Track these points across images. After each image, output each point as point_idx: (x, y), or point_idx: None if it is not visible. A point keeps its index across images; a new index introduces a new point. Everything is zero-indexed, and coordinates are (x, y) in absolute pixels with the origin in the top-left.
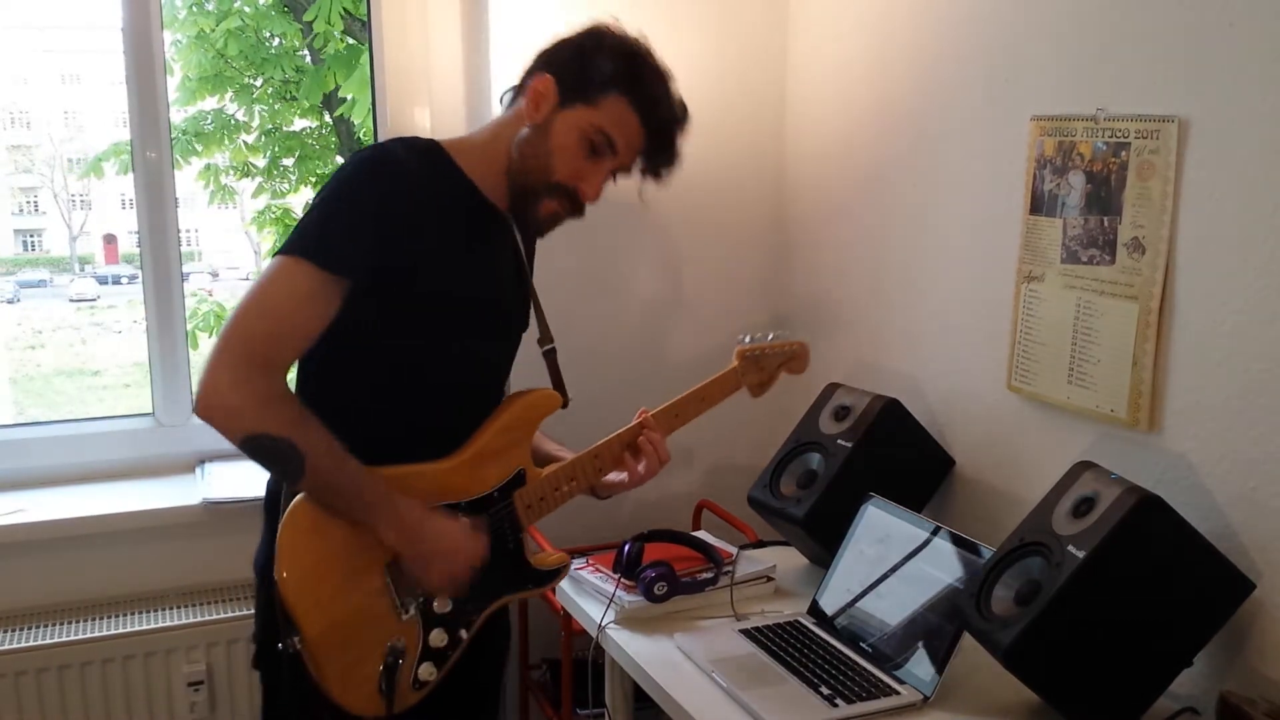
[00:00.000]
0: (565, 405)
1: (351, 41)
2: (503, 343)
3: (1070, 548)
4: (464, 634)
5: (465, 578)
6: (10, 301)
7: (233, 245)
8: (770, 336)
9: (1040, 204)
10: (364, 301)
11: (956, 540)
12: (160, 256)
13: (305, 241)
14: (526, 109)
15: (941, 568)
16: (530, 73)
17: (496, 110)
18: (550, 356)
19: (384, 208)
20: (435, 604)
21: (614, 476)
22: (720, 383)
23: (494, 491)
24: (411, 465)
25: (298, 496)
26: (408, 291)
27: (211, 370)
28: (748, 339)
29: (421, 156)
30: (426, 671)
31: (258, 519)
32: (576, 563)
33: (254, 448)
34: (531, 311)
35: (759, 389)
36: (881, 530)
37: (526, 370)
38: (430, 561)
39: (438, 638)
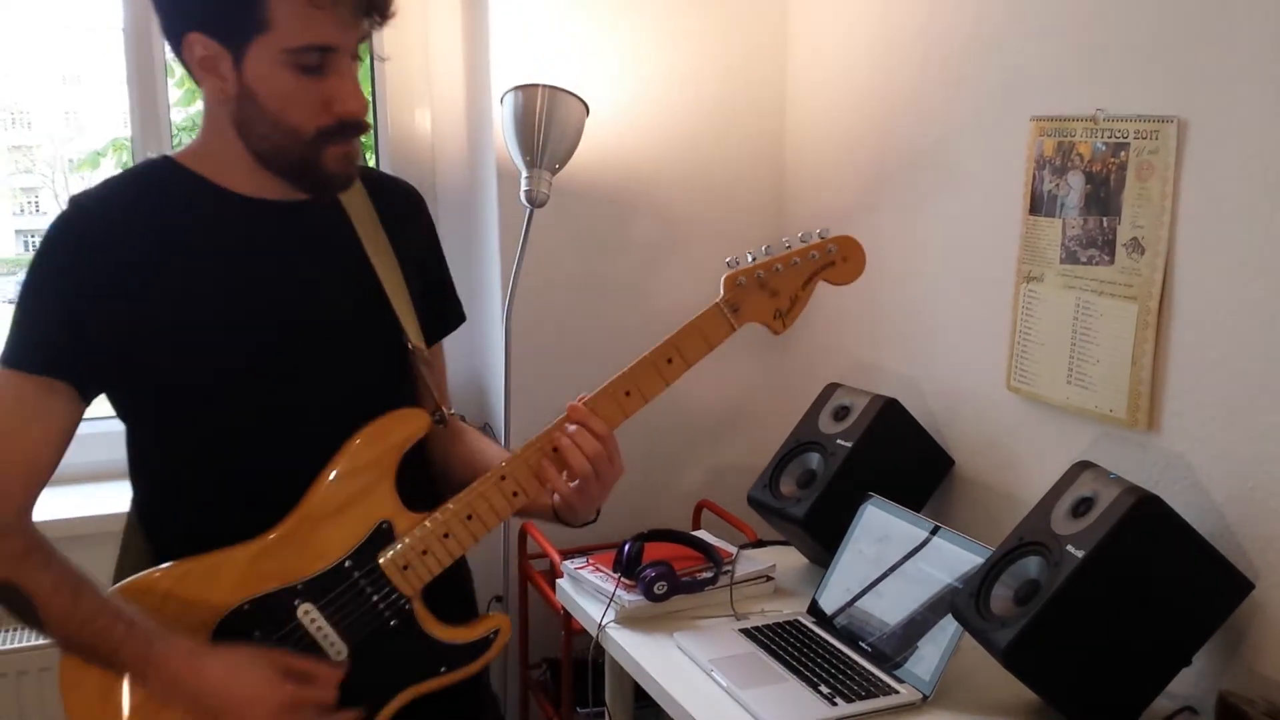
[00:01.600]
0: (440, 423)
1: None
2: (319, 362)
3: (1069, 547)
4: None
5: None
6: (11, 302)
7: None
8: (785, 244)
9: (1039, 204)
10: (113, 382)
11: (955, 540)
12: None
13: (6, 347)
14: (209, 83)
15: (941, 567)
16: (173, 39)
17: (497, 109)
18: (417, 359)
19: (73, 279)
20: None
21: (558, 496)
22: (694, 331)
23: (345, 560)
24: (209, 555)
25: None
26: (152, 349)
27: None
28: (749, 258)
29: (131, 187)
30: None
31: None
32: (576, 562)
33: None
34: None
35: (779, 320)
36: (881, 530)
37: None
38: (222, 717)
39: None
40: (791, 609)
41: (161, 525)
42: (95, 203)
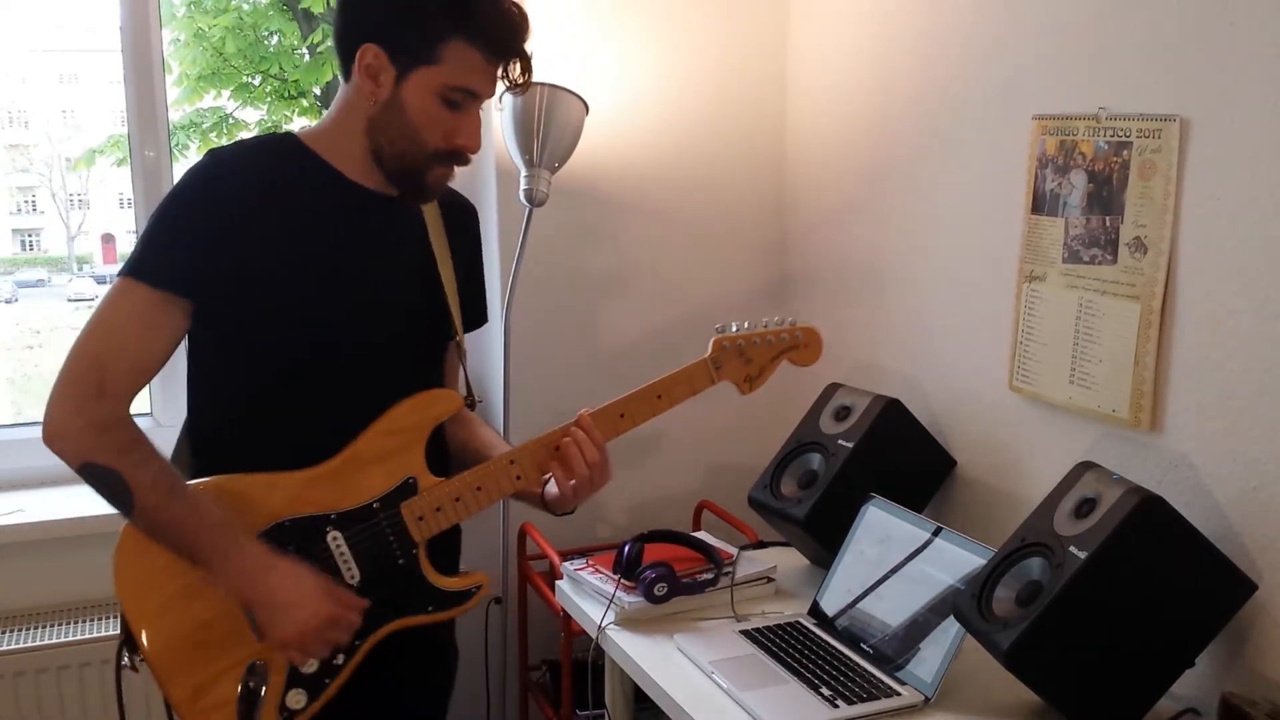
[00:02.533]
0: (471, 405)
1: None
2: (384, 334)
3: (1072, 548)
4: (341, 660)
5: (314, 639)
6: (8, 301)
7: None
8: (765, 322)
9: (1042, 203)
10: (217, 309)
11: (957, 541)
12: None
13: (134, 261)
14: (365, 87)
15: (942, 568)
16: (348, 41)
17: (496, 108)
18: (460, 356)
19: (206, 214)
20: None
21: (553, 488)
22: (686, 378)
23: (374, 502)
24: (264, 474)
25: None
26: (254, 292)
27: (52, 399)
28: (734, 327)
29: (266, 154)
30: (295, 699)
31: None
32: (576, 563)
33: (88, 477)
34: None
35: (748, 384)
36: (882, 531)
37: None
38: (274, 616)
39: (308, 662)
40: (792, 610)
41: (210, 448)
42: (232, 157)
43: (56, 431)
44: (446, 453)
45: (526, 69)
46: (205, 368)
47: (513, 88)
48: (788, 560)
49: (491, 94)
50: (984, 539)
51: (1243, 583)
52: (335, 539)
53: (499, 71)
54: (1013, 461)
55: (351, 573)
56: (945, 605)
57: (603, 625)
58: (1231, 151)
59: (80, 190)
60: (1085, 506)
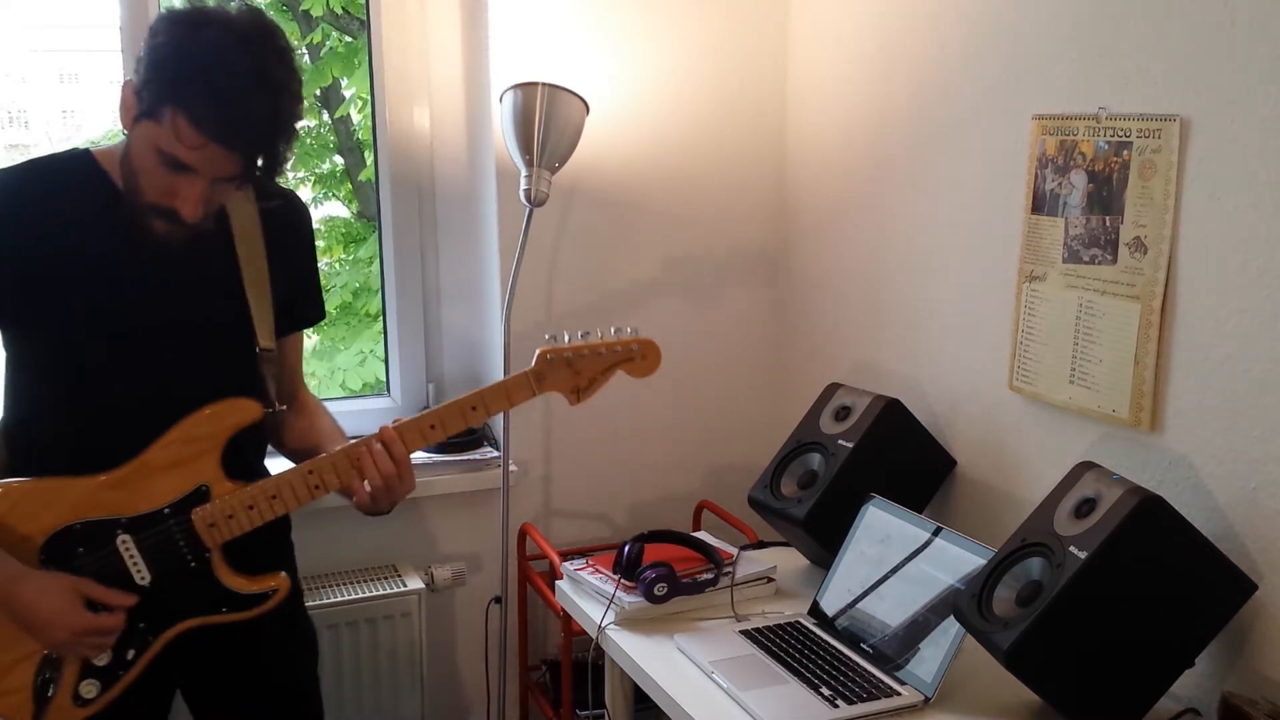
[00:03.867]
0: (272, 410)
1: (350, 40)
2: (179, 349)
3: (1072, 548)
4: (132, 653)
5: (80, 646)
6: None
7: None
8: (600, 334)
9: (1042, 203)
10: (5, 324)
11: (957, 541)
12: None
13: None
14: (120, 117)
15: (942, 568)
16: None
17: (496, 108)
18: (260, 363)
19: None
20: None
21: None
22: (503, 390)
23: (165, 508)
24: (60, 479)
25: None
26: (36, 311)
27: None
28: (565, 338)
29: (48, 174)
30: (88, 689)
31: None
32: (576, 563)
33: None
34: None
35: (576, 395)
36: (882, 531)
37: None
38: (31, 630)
39: (100, 655)
40: (792, 610)
41: (23, 449)
42: (13, 179)
43: None
44: (257, 458)
45: (274, 165)
46: (11, 373)
47: (261, 178)
48: (788, 560)
49: (222, 173)
50: (984, 539)
51: (1242, 583)
52: (125, 542)
53: (235, 156)
54: (1013, 461)
55: (142, 574)
56: (945, 605)
57: (603, 625)
58: (1231, 151)
59: None
60: (1085, 506)
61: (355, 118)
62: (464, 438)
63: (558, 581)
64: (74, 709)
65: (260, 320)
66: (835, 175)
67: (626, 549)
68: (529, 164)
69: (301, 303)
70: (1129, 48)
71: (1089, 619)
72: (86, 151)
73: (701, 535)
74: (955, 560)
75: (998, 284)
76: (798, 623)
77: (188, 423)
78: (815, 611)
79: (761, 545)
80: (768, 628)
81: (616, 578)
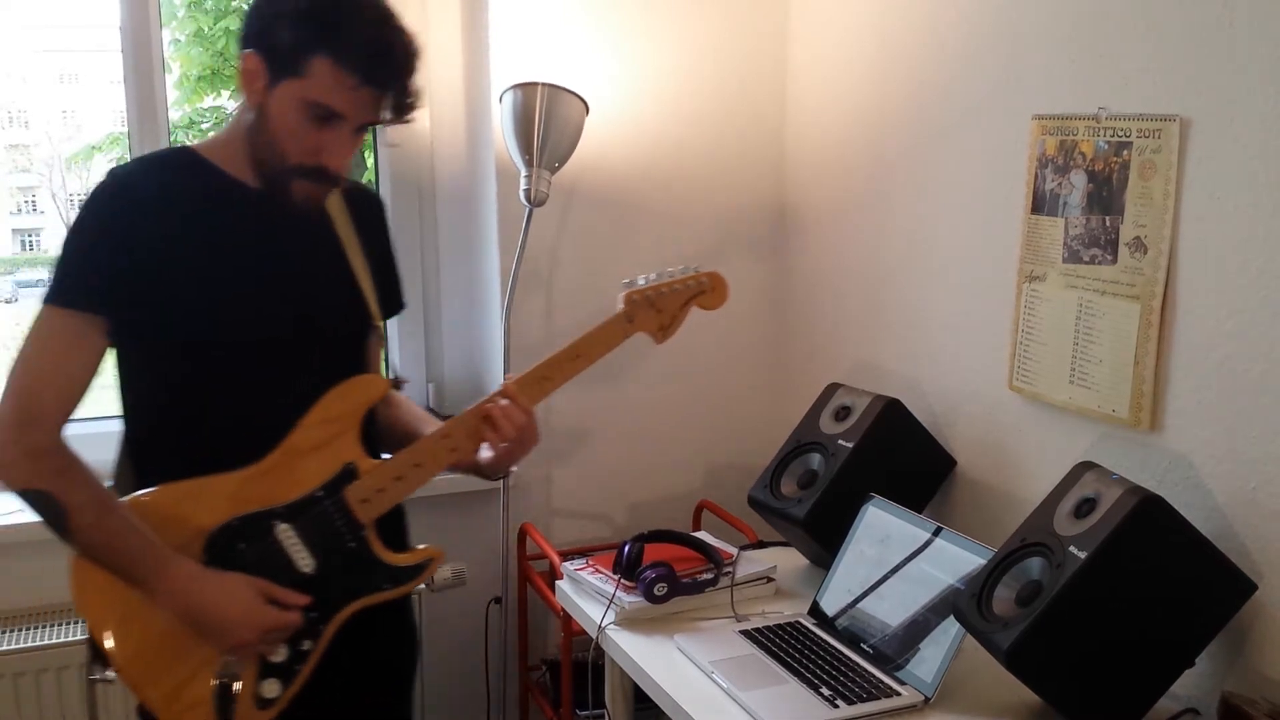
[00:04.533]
0: (398, 387)
1: None
2: (302, 330)
3: (1072, 548)
4: (308, 644)
5: (262, 644)
6: (8, 301)
7: None
8: (669, 272)
9: (1042, 203)
10: (134, 322)
11: (957, 541)
12: None
13: (50, 288)
14: (243, 93)
15: (942, 568)
16: (239, 45)
17: (496, 108)
18: (378, 338)
19: (111, 232)
20: None
21: (485, 453)
22: (600, 334)
23: (318, 490)
24: (206, 478)
25: None
26: (168, 302)
27: None
28: (640, 280)
29: (161, 167)
30: (270, 689)
31: None
32: (576, 563)
33: (27, 503)
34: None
35: (661, 333)
36: (882, 531)
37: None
38: (215, 634)
39: (276, 651)
40: (792, 610)
41: (151, 460)
42: (133, 174)
43: None
44: (376, 434)
45: (406, 104)
46: (133, 379)
47: (392, 120)
48: (788, 560)
49: (366, 119)
50: (984, 539)
51: (1242, 582)
52: (284, 531)
53: (378, 98)
54: (1013, 461)
55: (305, 561)
56: (945, 605)
57: (603, 625)
58: (1231, 151)
59: (80, 190)
60: (1085, 506)
61: None
62: None
63: (558, 581)
64: (257, 713)
65: (370, 300)
66: (835, 175)
67: (626, 549)
68: (529, 164)
69: (388, 291)
70: (1129, 48)
71: (1089, 619)
72: (186, 148)
73: (701, 535)
74: (955, 560)
75: (997, 284)
76: (798, 623)
77: (324, 403)
78: (815, 611)
79: (761, 545)
80: (768, 628)
81: (616, 578)
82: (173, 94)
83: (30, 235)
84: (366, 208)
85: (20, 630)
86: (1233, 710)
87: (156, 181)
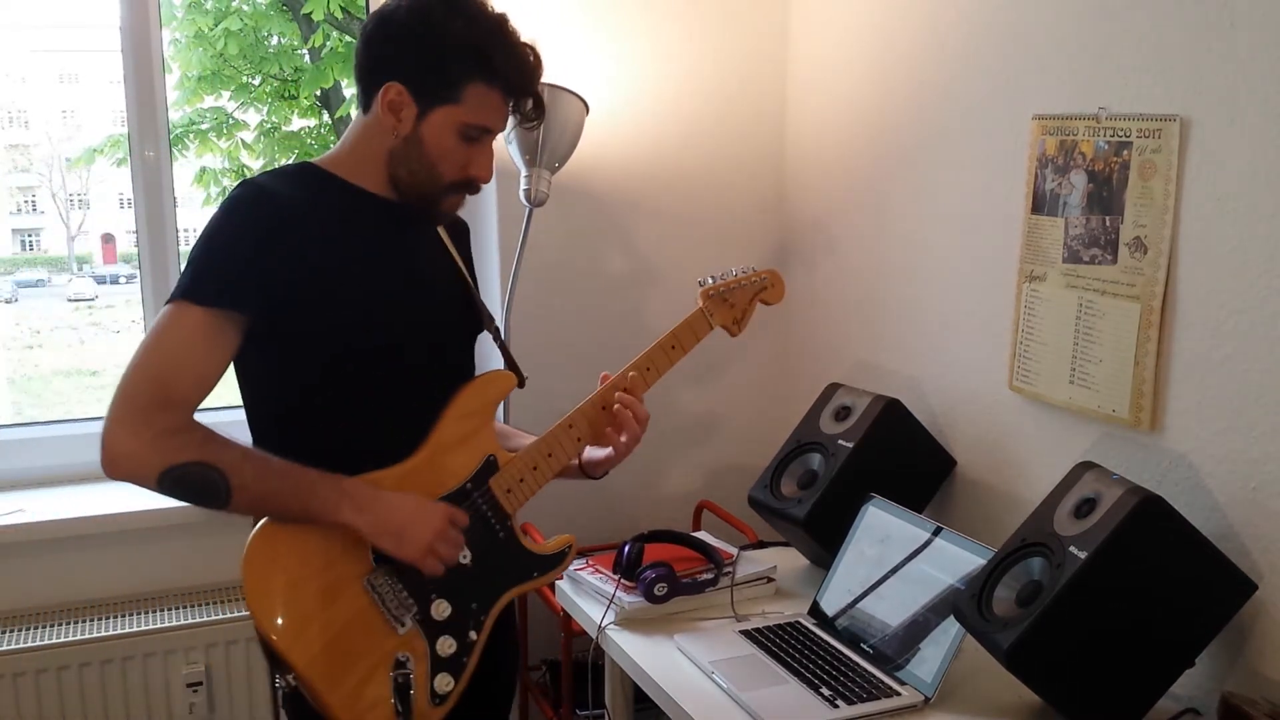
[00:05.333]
0: (521, 384)
1: (350, 40)
2: (437, 335)
3: (1072, 548)
4: (474, 635)
5: (444, 546)
6: (8, 301)
7: None
8: (735, 271)
9: (1042, 203)
10: (273, 324)
11: (957, 541)
12: (159, 256)
13: (185, 287)
14: (386, 121)
15: (942, 568)
16: (372, 76)
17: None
18: (498, 339)
19: (257, 234)
20: (433, 610)
21: (595, 453)
22: (689, 326)
23: (466, 483)
24: (367, 474)
25: (254, 529)
26: (310, 307)
27: (108, 427)
28: (710, 279)
29: (290, 179)
30: (443, 683)
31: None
32: (576, 564)
33: (171, 483)
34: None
35: (735, 326)
36: (882, 531)
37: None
38: (400, 536)
39: (445, 645)
40: (792, 610)
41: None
42: (269, 183)
43: (124, 451)
44: None
45: (539, 106)
46: (258, 381)
47: (525, 123)
48: (788, 560)
49: (504, 128)
50: (984, 539)
51: (1243, 583)
52: None
53: (511, 114)
54: (1013, 461)
55: (464, 554)
56: (945, 605)
57: (603, 625)
58: (1231, 151)
59: (80, 190)
60: (1085, 506)
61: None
62: None
63: (558, 581)
64: (433, 709)
65: (481, 309)
66: (835, 175)
67: (626, 549)
68: (529, 164)
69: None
70: (1129, 48)
71: (1089, 619)
72: (310, 163)
73: (701, 535)
74: (955, 560)
75: (998, 284)
76: (798, 623)
77: (462, 398)
78: (815, 611)
79: (761, 545)
80: (768, 628)
81: (616, 578)
82: (173, 94)
83: (30, 235)
84: (459, 230)
85: (21, 630)
86: (1233, 710)
87: (292, 190)
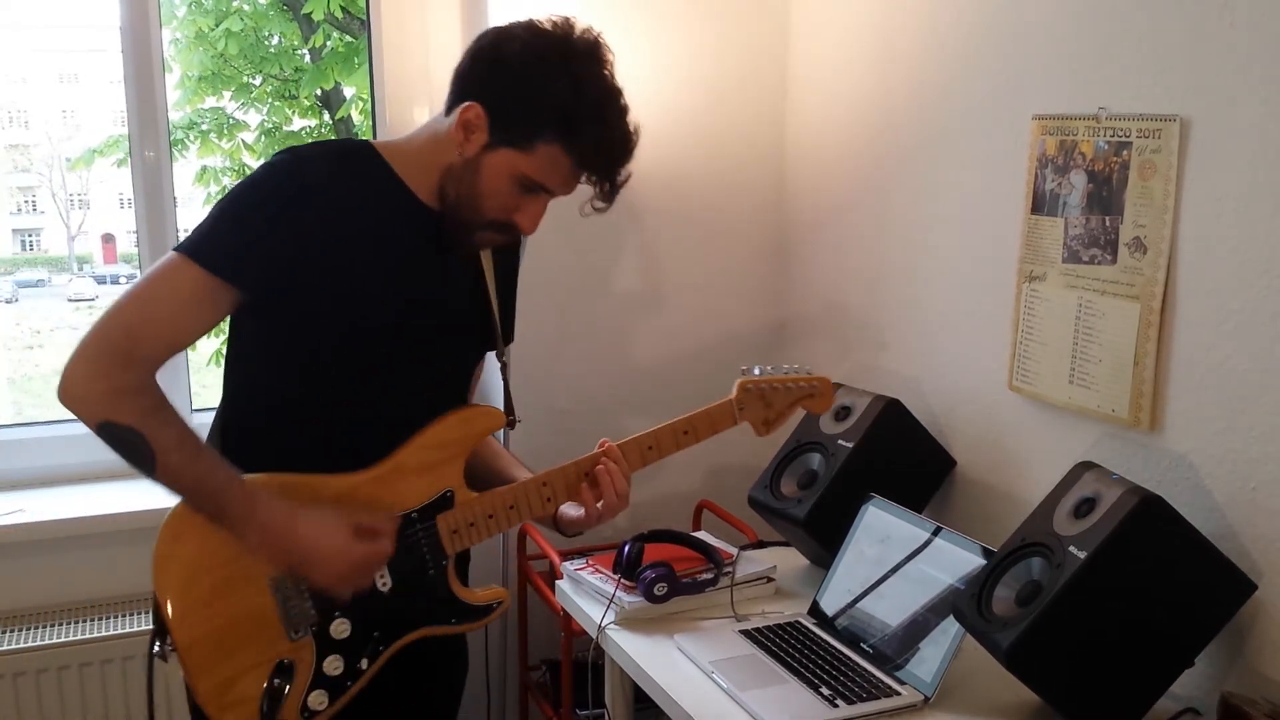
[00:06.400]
0: (511, 425)
1: (350, 40)
2: (440, 350)
3: (1071, 548)
4: (365, 664)
5: (357, 578)
6: (8, 301)
7: None
8: (785, 369)
9: (1041, 203)
10: (268, 304)
11: (957, 541)
12: (159, 256)
13: (194, 242)
14: (455, 137)
15: (942, 568)
16: (463, 86)
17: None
18: (504, 373)
19: (281, 213)
20: (333, 627)
21: (570, 511)
22: (709, 417)
23: (413, 512)
24: (314, 475)
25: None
26: (308, 292)
27: (73, 358)
28: (756, 370)
29: (343, 159)
30: (317, 700)
31: None
32: (576, 563)
33: (105, 436)
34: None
35: (765, 426)
36: (882, 531)
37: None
38: (308, 568)
39: (332, 664)
40: (792, 610)
41: (245, 442)
42: (313, 158)
43: (76, 393)
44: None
45: (613, 191)
46: (247, 361)
47: (597, 200)
48: (788, 560)
49: (568, 193)
50: (984, 539)
51: (1242, 582)
52: None
53: (580, 181)
54: (1013, 461)
55: (384, 579)
56: (945, 605)
57: (603, 625)
58: (1231, 151)
59: (80, 190)
60: (1085, 506)
61: (356, 118)
62: None
63: (558, 581)
64: None
65: (496, 333)
66: (835, 175)
67: (626, 549)
68: None
69: (504, 320)
70: (1129, 48)
71: (1088, 619)
72: (369, 143)
73: (701, 535)
74: (955, 560)
75: (997, 284)
76: (798, 623)
77: (440, 426)
78: (815, 611)
79: (761, 545)
80: (768, 628)
81: (616, 578)
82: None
83: (30, 235)
84: (510, 243)
85: (21, 630)
86: (1233, 710)
87: (333, 170)
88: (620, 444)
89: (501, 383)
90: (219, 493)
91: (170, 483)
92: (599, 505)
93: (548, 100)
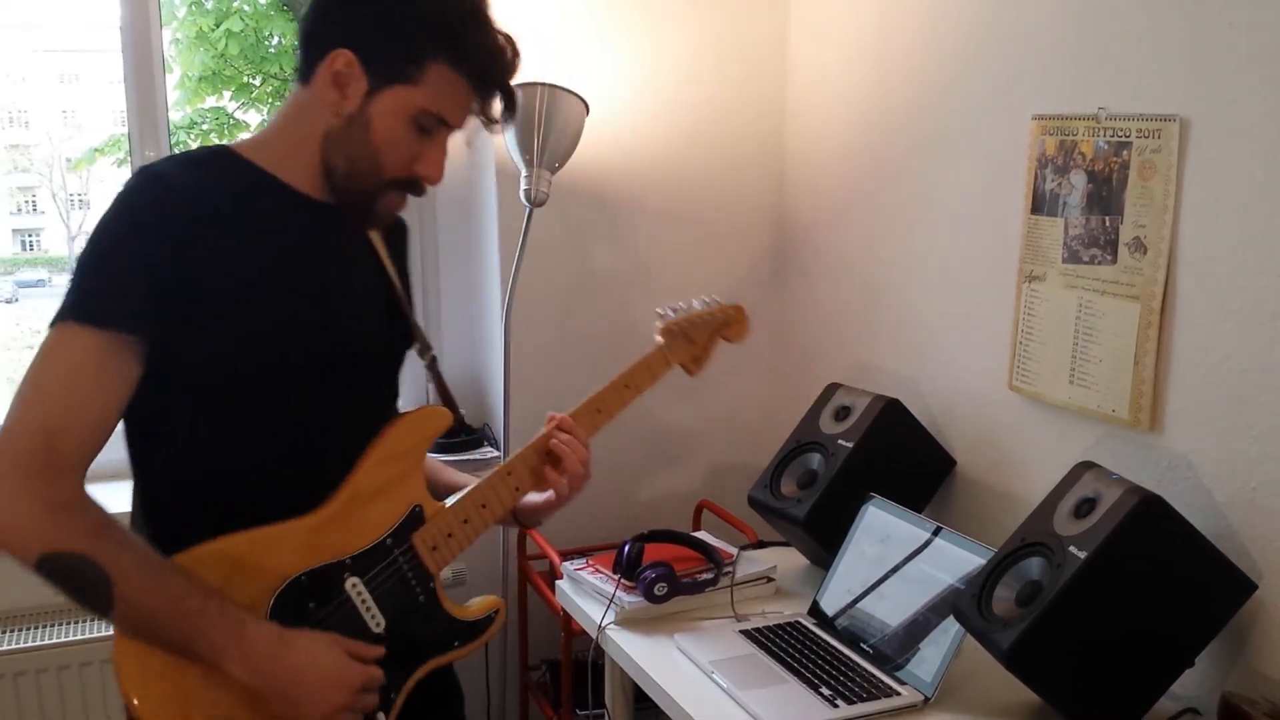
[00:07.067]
0: (460, 422)
1: None
2: (363, 356)
3: (1071, 548)
4: (381, 717)
5: (361, 704)
6: (8, 301)
7: None
8: (696, 304)
9: (1041, 203)
10: (173, 341)
11: (957, 541)
12: None
13: (74, 303)
14: (328, 96)
15: (942, 568)
16: (318, 43)
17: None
18: (432, 367)
19: (149, 237)
20: None
21: (534, 498)
22: (646, 365)
23: (386, 538)
24: (266, 528)
25: None
26: (213, 322)
27: None
28: (670, 312)
29: (198, 167)
30: None
31: None
32: (576, 563)
33: (48, 573)
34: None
35: (694, 364)
36: (882, 530)
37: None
38: (298, 705)
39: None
40: (792, 610)
41: (176, 515)
42: (168, 173)
43: (3, 524)
44: None
45: (511, 103)
46: (154, 418)
47: (490, 124)
48: (788, 560)
49: (462, 126)
50: (984, 539)
51: (1242, 582)
52: (355, 585)
53: (480, 102)
54: (1012, 461)
55: (376, 620)
56: (945, 605)
57: (603, 625)
58: (1231, 151)
59: (81, 190)
60: (1085, 506)
61: None
62: (464, 437)
63: (558, 581)
64: None
65: (414, 327)
66: (835, 175)
67: (626, 549)
68: (529, 164)
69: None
70: (1129, 48)
71: (1089, 619)
72: (225, 148)
73: (701, 535)
74: (955, 560)
75: (997, 284)
76: (798, 622)
77: (389, 438)
78: (815, 611)
79: (761, 545)
80: (768, 628)
81: (616, 578)
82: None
83: (30, 235)
84: (396, 230)
85: (21, 630)
86: (1233, 710)
87: (196, 184)
88: (572, 412)
89: (432, 382)
90: (194, 615)
91: (132, 614)
92: (564, 480)
93: (420, 16)
